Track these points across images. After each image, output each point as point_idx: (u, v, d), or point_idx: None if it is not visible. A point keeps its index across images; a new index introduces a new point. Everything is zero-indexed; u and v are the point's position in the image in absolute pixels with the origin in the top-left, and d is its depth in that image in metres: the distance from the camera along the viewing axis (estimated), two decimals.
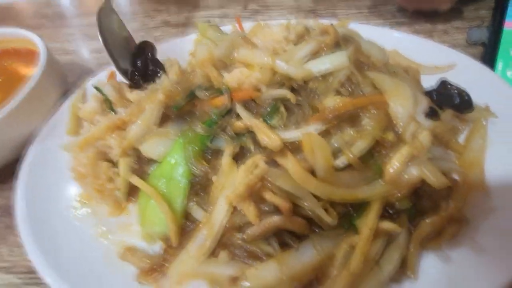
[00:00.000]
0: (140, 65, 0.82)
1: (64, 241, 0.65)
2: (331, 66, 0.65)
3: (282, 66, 0.65)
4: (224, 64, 0.73)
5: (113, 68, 0.88)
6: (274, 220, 0.53)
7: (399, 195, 0.55)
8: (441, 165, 0.59)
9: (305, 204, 0.53)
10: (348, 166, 0.56)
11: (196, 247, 0.56)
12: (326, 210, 0.54)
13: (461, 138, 0.72)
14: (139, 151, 0.68)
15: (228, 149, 0.60)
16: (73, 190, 0.73)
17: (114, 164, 0.70)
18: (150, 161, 0.68)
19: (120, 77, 0.84)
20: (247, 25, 0.93)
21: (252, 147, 0.60)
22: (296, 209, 0.54)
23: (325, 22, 0.79)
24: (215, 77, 0.68)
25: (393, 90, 0.61)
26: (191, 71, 0.75)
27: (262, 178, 0.53)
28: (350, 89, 0.64)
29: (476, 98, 0.73)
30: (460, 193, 0.60)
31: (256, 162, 0.54)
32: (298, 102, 0.63)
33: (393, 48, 0.88)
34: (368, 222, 0.52)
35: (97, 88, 0.79)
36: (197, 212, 0.60)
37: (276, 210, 0.54)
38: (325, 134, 0.58)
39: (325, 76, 0.65)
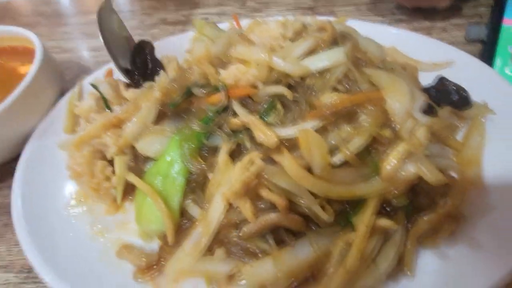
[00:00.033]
0: (140, 64, 0.82)
1: (61, 239, 0.64)
2: (328, 62, 0.65)
3: (279, 62, 0.65)
4: (221, 61, 0.72)
5: (110, 66, 0.88)
6: (271, 217, 0.52)
7: (396, 192, 0.54)
8: (439, 162, 0.59)
9: (302, 201, 0.53)
10: (345, 163, 0.56)
11: (192, 244, 0.56)
12: (322, 207, 0.54)
13: (459, 136, 0.72)
14: (135, 149, 0.68)
15: (224, 146, 0.60)
16: (70, 188, 0.73)
17: (110, 162, 0.70)
18: (147, 159, 0.68)
19: (117, 75, 0.84)
20: (245, 23, 0.92)
21: (248, 144, 0.59)
22: (292, 207, 0.54)
23: (323, 19, 0.79)
24: (211, 74, 0.68)
25: (390, 87, 0.60)
26: (187, 68, 0.75)
27: (259, 175, 0.53)
28: (347, 86, 0.63)
29: (475, 95, 0.73)
30: (458, 191, 0.60)
31: (253, 159, 0.54)
32: (295, 99, 0.63)
33: (391, 45, 0.88)
34: (364, 219, 0.52)
35: (93, 86, 0.79)
36: (193, 210, 0.60)
37: (273, 207, 0.54)
38: (322, 131, 0.58)
39: (322, 73, 0.65)
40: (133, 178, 0.64)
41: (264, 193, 0.53)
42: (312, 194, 0.53)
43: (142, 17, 1.33)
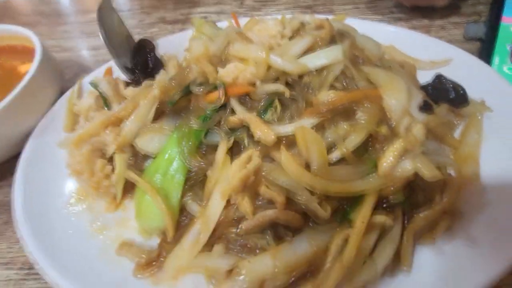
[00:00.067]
0: (140, 62, 0.82)
1: (61, 236, 0.65)
2: (326, 60, 0.65)
3: (277, 60, 0.65)
4: (219, 59, 0.73)
5: (109, 64, 0.89)
6: (269, 213, 0.53)
7: (392, 188, 0.55)
8: (435, 159, 0.59)
9: (299, 198, 0.53)
10: (342, 160, 0.56)
11: (190, 241, 0.56)
12: (320, 204, 0.54)
13: (457, 133, 0.72)
14: (135, 148, 0.68)
15: (222, 144, 0.60)
16: (70, 186, 0.73)
17: (109, 161, 0.70)
18: (146, 156, 0.68)
19: (116, 74, 0.84)
20: (244, 22, 0.92)
21: (246, 142, 0.60)
22: (290, 203, 0.54)
23: (321, 17, 0.79)
24: (210, 72, 0.69)
25: (388, 84, 0.61)
26: (186, 66, 0.75)
27: (257, 172, 0.54)
28: (344, 84, 0.64)
29: (473, 93, 0.73)
30: (454, 187, 0.60)
31: (251, 156, 0.55)
32: (293, 97, 0.63)
33: (389, 43, 0.88)
34: (361, 215, 0.53)
35: (93, 85, 0.79)
36: (192, 207, 0.61)
37: (271, 204, 0.54)
38: (319, 128, 0.58)
39: (320, 71, 0.65)
40: (132, 176, 0.64)
41: (262, 190, 0.54)
42: (310, 191, 0.54)
43: (141, 16, 1.33)
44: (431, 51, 0.86)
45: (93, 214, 0.69)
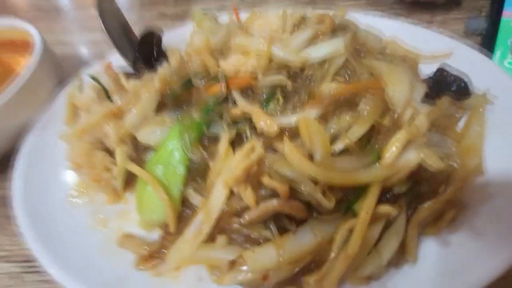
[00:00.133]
0: (145, 53, 0.81)
1: (62, 229, 0.64)
2: (328, 52, 0.65)
3: (278, 52, 0.65)
4: (220, 52, 0.72)
5: (109, 57, 0.88)
6: (272, 203, 0.52)
7: (396, 179, 0.55)
8: (439, 151, 0.59)
9: (303, 188, 0.53)
10: (346, 151, 0.56)
11: (193, 232, 0.56)
12: (324, 194, 0.54)
13: (459, 127, 0.72)
14: (136, 140, 0.68)
15: (225, 135, 0.60)
16: (71, 179, 0.72)
17: (110, 153, 0.70)
18: (147, 149, 0.68)
19: (116, 66, 0.83)
20: (244, 17, 0.92)
21: (249, 133, 0.60)
22: (294, 194, 0.54)
23: (322, 11, 0.79)
24: (211, 65, 0.68)
25: (390, 76, 0.60)
26: (187, 59, 0.75)
27: (260, 162, 0.53)
28: (346, 76, 0.64)
29: (475, 87, 0.73)
30: (458, 178, 0.60)
31: (253, 146, 0.54)
32: (295, 89, 0.63)
33: (390, 37, 0.88)
34: (365, 206, 0.52)
35: (93, 78, 0.79)
36: (194, 198, 0.60)
37: (274, 194, 0.54)
38: (322, 119, 0.58)
39: (321, 63, 0.65)
40: (134, 168, 0.64)
41: (265, 180, 0.53)
42: (313, 181, 0.54)
43: (141, 11, 1.32)
44: (432, 45, 0.86)
45: (94, 207, 0.69)
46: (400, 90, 0.59)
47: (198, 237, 0.55)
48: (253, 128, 0.60)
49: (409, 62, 0.81)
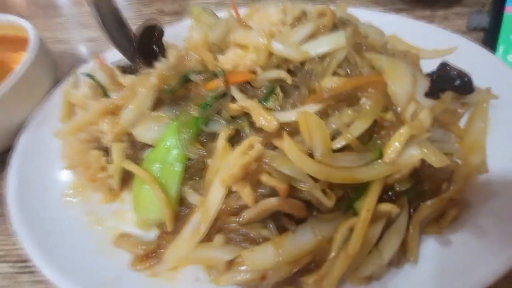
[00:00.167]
0: (144, 46, 0.79)
1: (57, 229, 0.63)
2: (329, 46, 0.63)
3: (278, 47, 0.63)
4: (219, 48, 0.71)
5: (106, 54, 0.87)
6: (271, 201, 0.51)
7: (398, 176, 0.53)
8: (442, 147, 0.58)
9: (303, 186, 0.52)
10: (347, 148, 0.55)
11: (190, 231, 0.55)
12: (324, 192, 0.52)
13: (462, 123, 0.70)
14: (133, 137, 0.66)
15: (223, 132, 0.58)
16: (66, 178, 0.71)
17: (105, 152, 0.68)
18: (144, 146, 0.66)
19: (111, 62, 0.82)
20: (243, 12, 0.90)
21: (248, 130, 0.58)
22: (293, 192, 0.53)
23: (323, 6, 0.78)
24: (209, 60, 0.67)
25: (392, 70, 0.59)
26: (185, 55, 0.73)
27: (258, 159, 0.52)
28: (348, 70, 0.62)
29: (478, 82, 0.72)
30: (461, 176, 0.59)
31: (252, 143, 0.53)
32: (295, 84, 0.62)
33: (392, 33, 0.87)
34: (366, 204, 0.51)
35: (88, 75, 0.77)
36: (192, 197, 0.59)
37: (273, 193, 0.53)
38: (323, 115, 0.57)
39: (322, 58, 0.64)
40: (130, 166, 0.62)
41: (264, 178, 0.52)
42: (313, 179, 0.52)
43: (139, 8, 1.31)
44: (434, 40, 0.85)
45: (89, 206, 0.67)
46: (403, 84, 0.57)
47: (196, 236, 0.54)
48: (252, 124, 0.59)
49: (411, 57, 0.80)
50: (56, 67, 0.93)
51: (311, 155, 0.53)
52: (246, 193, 0.51)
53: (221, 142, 0.57)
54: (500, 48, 0.92)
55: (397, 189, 0.56)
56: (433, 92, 0.62)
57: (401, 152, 0.53)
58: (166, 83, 0.67)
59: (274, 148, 0.55)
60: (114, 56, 0.82)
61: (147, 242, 0.60)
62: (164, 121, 0.64)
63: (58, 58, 0.99)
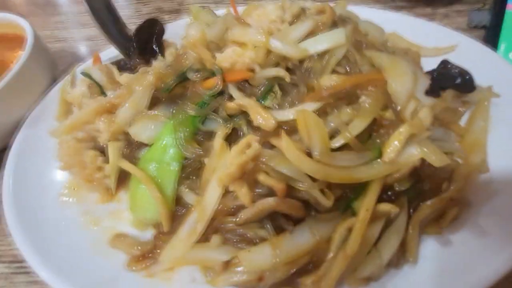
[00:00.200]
0: (142, 43, 0.78)
1: (53, 229, 0.63)
2: (328, 44, 0.62)
3: (277, 45, 0.62)
4: (216, 45, 0.70)
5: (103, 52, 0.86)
6: (268, 201, 0.50)
7: (398, 175, 0.53)
8: (442, 146, 0.57)
9: (301, 185, 0.51)
10: (345, 146, 0.54)
11: (187, 231, 0.54)
12: (322, 192, 0.52)
13: (463, 122, 0.70)
14: (129, 136, 0.65)
15: (220, 131, 0.58)
16: (62, 177, 0.70)
17: (101, 152, 0.67)
18: (141, 145, 0.66)
19: (107, 60, 0.81)
20: (242, 10, 0.90)
21: (245, 129, 0.57)
22: (291, 192, 0.52)
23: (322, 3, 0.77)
24: (207, 58, 0.66)
25: (392, 68, 0.58)
26: (183, 53, 0.72)
27: (255, 158, 0.51)
28: (347, 68, 0.61)
29: (479, 80, 0.71)
30: (461, 175, 0.58)
31: (249, 142, 0.52)
32: (293, 82, 0.61)
33: (392, 31, 0.86)
34: (365, 204, 0.50)
35: (85, 74, 0.77)
36: (189, 196, 0.58)
37: (271, 193, 0.52)
38: (321, 113, 0.56)
39: (321, 55, 0.63)
40: (126, 165, 0.62)
41: (262, 177, 0.51)
42: (311, 178, 0.51)
43: (137, 6, 1.31)
44: (435, 38, 0.84)
45: (86, 206, 0.67)
46: (403, 82, 0.56)
47: (192, 236, 0.54)
48: (250, 123, 0.58)
49: (411, 55, 0.79)
50: (53, 65, 0.93)
51: (309, 154, 0.52)
52: (243, 193, 0.50)
53: (218, 141, 0.56)
54: (502, 46, 0.91)
55: (397, 188, 0.55)
56: (434, 90, 0.61)
57: (400, 151, 0.52)
58: (163, 81, 0.66)
59: (272, 147, 0.55)
60: (111, 54, 0.82)
61: (143, 242, 0.59)
62: (160, 120, 0.63)
63: (57, 56, 0.98)
